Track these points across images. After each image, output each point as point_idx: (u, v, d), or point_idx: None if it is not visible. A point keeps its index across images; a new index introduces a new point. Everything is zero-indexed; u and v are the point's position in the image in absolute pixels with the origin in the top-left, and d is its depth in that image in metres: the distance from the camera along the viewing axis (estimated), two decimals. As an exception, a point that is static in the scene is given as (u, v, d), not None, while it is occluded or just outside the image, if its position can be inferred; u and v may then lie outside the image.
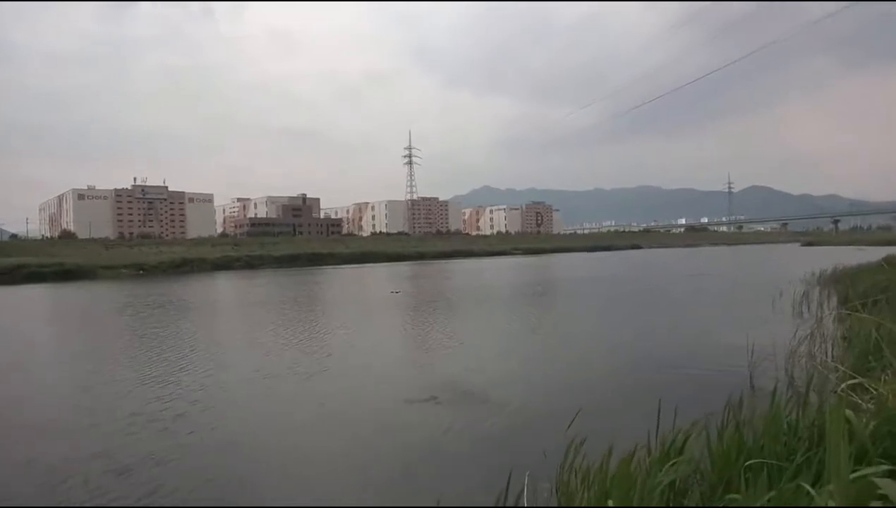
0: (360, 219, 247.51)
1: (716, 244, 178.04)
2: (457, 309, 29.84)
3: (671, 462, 5.55)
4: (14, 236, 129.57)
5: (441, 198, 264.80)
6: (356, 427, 11.03)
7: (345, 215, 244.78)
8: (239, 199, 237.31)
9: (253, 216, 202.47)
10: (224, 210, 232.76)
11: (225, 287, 53.54)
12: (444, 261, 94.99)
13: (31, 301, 43.55)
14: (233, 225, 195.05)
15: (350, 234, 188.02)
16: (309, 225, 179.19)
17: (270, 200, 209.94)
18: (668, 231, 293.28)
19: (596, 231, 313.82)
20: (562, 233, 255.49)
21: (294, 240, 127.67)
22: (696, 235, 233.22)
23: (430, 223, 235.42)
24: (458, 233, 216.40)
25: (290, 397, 13.23)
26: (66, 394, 13.80)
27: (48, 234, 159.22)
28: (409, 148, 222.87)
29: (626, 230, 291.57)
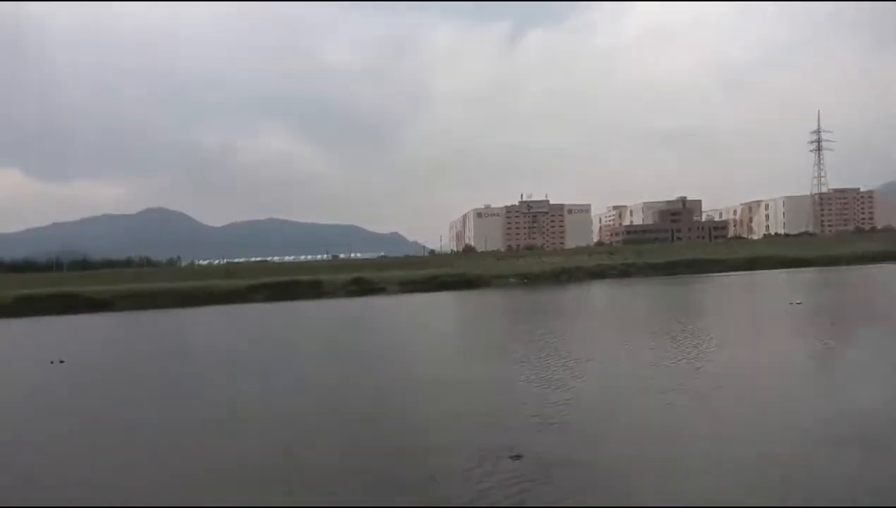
0: (751, 219, 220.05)
1: None
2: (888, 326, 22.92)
3: None
4: (432, 252, 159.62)
5: (862, 189, 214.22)
6: (758, 468, 8.94)
7: (731, 217, 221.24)
8: (615, 207, 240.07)
9: (629, 223, 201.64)
10: (600, 219, 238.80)
11: (602, 295, 54.37)
12: (868, 267, 75.48)
13: (444, 305, 51.73)
14: (608, 233, 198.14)
15: (737, 237, 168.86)
16: (689, 229, 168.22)
17: (647, 206, 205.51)
18: None
19: None
20: None
21: (672, 247, 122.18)
22: None
23: (845, 220, 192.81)
24: (888, 230, 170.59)
25: (683, 416, 12.01)
26: (481, 388, 15.31)
27: (455, 249, 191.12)
28: (818, 131, 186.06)
29: None
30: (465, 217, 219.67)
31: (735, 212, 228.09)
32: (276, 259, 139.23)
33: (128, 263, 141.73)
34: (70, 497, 9.09)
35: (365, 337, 29.01)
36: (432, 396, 14.71)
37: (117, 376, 21.60)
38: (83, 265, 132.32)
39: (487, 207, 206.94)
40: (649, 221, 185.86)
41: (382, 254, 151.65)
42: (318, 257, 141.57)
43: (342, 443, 11.18)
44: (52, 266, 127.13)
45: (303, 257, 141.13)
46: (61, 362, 23.42)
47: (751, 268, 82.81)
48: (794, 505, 7.64)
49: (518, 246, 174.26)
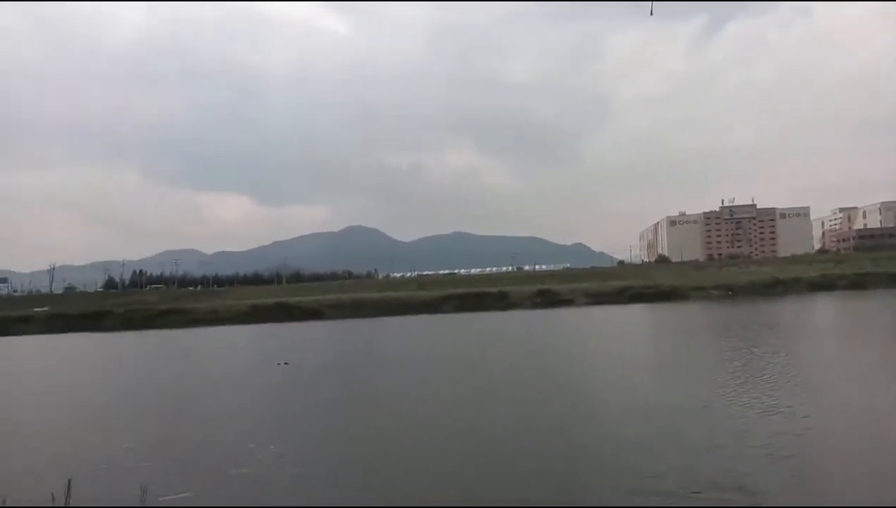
0: None
1: None
2: None
3: None
4: (620, 263, 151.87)
5: None
6: None
7: None
8: (842, 210, 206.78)
9: (861, 227, 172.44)
10: (823, 223, 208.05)
11: (829, 310, 47.51)
12: None
13: (641, 319, 48.88)
14: (834, 239, 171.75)
15: None
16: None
17: (885, 207, 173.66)
18: None
19: None
20: None
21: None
22: None
23: None
24: None
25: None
26: (699, 413, 13.67)
27: (646, 259, 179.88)
28: None
29: None
30: (656, 225, 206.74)
31: None
32: (462, 271, 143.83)
33: (333, 276, 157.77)
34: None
35: (564, 355, 28.12)
36: (643, 420, 13.37)
37: (330, 378, 23.21)
38: (297, 278, 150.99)
39: (682, 214, 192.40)
40: (889, 224, 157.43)
41: (567, 265, 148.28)
42: (503, 269, 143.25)
43: (556, 464, 10.51)
44: (273, 279, 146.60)
45: (487, 269, 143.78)
46: (285, 363, 26.05)
47: None
48: None
49: (719, 255, 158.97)
